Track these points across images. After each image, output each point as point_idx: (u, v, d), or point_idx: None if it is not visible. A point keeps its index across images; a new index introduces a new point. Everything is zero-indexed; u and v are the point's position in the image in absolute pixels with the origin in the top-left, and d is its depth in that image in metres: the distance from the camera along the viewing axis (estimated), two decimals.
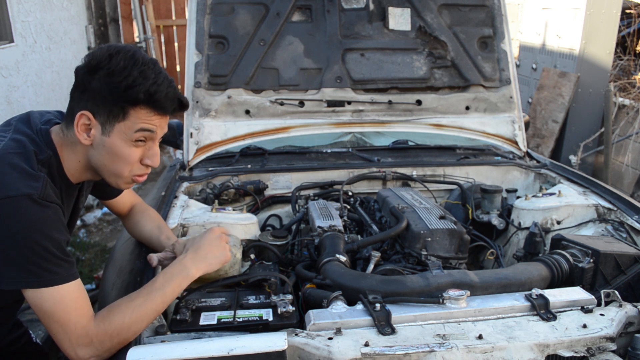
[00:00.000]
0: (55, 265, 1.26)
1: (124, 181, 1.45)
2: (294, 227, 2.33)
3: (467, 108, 2.92)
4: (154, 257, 1.65)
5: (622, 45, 6.05)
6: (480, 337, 1.35)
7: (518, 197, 2.50)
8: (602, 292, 1.52)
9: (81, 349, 1.28)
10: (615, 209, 2.18)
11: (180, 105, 1.43)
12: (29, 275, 1.24)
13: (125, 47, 1.37)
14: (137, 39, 7.80)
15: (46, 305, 1.26)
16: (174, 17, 8.75)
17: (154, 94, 1.34)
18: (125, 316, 1.31)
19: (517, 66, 6.58)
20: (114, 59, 1.32)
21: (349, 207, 2.39)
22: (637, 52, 6.05)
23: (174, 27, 8.71)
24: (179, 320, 1.45)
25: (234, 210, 2.24)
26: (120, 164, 1.40)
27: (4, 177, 1.26)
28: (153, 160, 1.44)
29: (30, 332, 1.95)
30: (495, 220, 2.37)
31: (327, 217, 2.08)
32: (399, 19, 2.86)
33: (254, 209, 2.53)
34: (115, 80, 1.32)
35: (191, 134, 2.67)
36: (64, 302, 1.27)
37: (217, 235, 1.55)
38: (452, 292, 1.48)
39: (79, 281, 1.33)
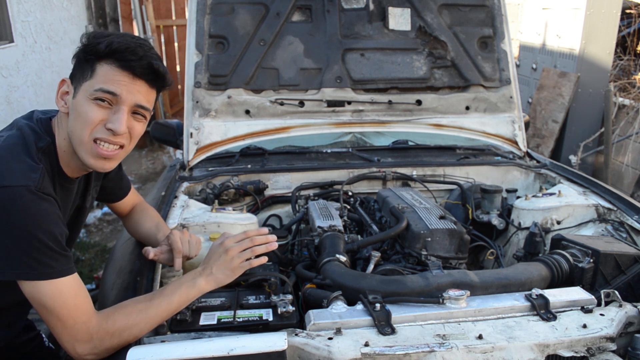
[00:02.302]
0: (51, 258, 1.26)
1: (87, 149, 1.36)
2: (294, 227, 2.33)
3: (467, 108, 2.92)
4: (149, 250, 1.64)
5: (622, 45, 6.05)
6: (480, 337, 1.35)
7: (518, 197, 2.50)
8: (602, 292, 1.52)
9: (80, 345, 1.28)
10: (615, 209, 2.18)
11: (152, 70, 1.37)
12: (23, 266, 1.24)
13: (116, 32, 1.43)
14: None
15: (44, 299, 1.26)
16: (174, 17, 8.74)
17: (117, 45, 1.32)
18: (129, 318, 1.31)
19: (517, 66, 6.58)
20: (97, 32, 1.39)
21: (349, 207, 2.39)
22: (637, 52, 6.05)
23: (174, 27, 8.70)
24: (179, 320, 1.45)
25: (234, 210, 2.24)
26: (81, 125, 1.34)
27: (2, 167, 1.26)
28: (115, 124, 1.34)
29: (43, 335, 1.94)
30: (495, 220, 2.37)
31: (327, 217, 2.08)
32: (399, 19, 2.86)
33: (254, 209, 2.53)
34: (87, 40, 1.36)
35: (191, 134, 2.67)
36: (62, 297, 1.26)
37: (223, 249, 1.46)
38: (452, 292, 1.48)
39: (76, 276, 1.32)
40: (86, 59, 1.35)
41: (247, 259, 1.47)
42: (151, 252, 1.63)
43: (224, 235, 1.53)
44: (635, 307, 1.49)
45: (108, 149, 1.38)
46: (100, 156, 1.38)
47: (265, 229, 1.54)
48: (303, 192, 2.58)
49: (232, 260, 1.44)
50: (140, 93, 1.38)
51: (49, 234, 1.25)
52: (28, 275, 1.25)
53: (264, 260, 1.47)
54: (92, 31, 1.41)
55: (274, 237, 1.51)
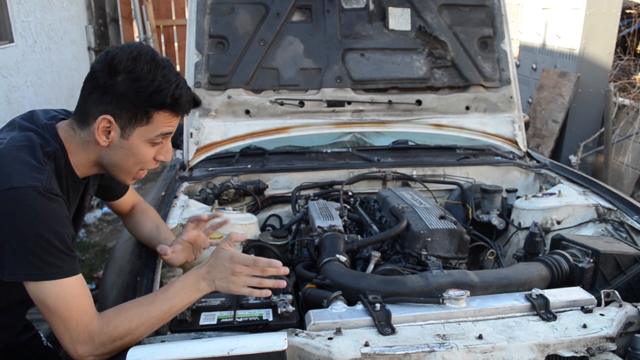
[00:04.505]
0: (58, 258, 1.26)
1: (131, 177, 1.49)
2: (294, 227, 2.33)
3: (467, 108, 2.92)
4: (166, 249, 1.65)
5: (622, 45, 6.05)
6: (480, 337, 1.35)
7: (518, 197, 2.50)
8: (602, 292, 1.52)
9: (81, 347, 1.28)
10: (615, 209, 2.18)
11: (195, 104, 1.48)
12: (30, 267, 1.24)
13: (142, 48, 1.38)
14: (137, 39, 7.80)
15: (48, 299, 1.26)
16: (174, 17, 8.74)
17: (179, 98, 1.38)
18: (131, 322, 1.30)
19: (517, 66, 6.58)
20: (138, 63, 1.33)
21: (349, 207, 2.39)
22: (637, 52, 6.05)
23: (174, 27, 8.70)
24: (179, 320, 1.45)
25: (234, 210, 2.24)
26: (135, 162, 1.44)
27: (9, 169, 1.26)
28: (166, 156, 1.49)
29: (41, 335, 1.94)
30: (495, 220, 2.37)
31: (327, 217, 2.08)
32: (399, 19, 2.86)
33: (254, 209, 2.53)
34: (142, 85, 1.33)
35: (191, 134, 2.67)
36: (66, 298, 1.26)
37: (231, 270, 1.38)
38: (452, 292, 1.48)
39: (80, 277, 1.32)
40: (142, 107, 1.35)
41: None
42: (168, 250, 1.65)
43: (225, 246, 1.45)
44: (635, 307, 1.49)
45: (145, 172, 1.52)
46: (138, 178, 1.52)
47: (279, 262, 1.42)
48: (303, 192, 2.58)
49: (236, 282, 1.38)
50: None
51: (57, 234, 1.26)
52: (35, 276, 1.25)
53: (267, 293, 1.40)
54: (127, 59, 1.33)
55: (285, 270, 1.41)
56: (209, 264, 1.41)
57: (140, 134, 1.39)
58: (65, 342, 1.28)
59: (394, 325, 1.39)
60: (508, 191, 2.56)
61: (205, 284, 1.40)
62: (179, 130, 2.79)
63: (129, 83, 1.33)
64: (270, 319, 1.48)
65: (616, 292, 1.52)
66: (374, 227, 2.15)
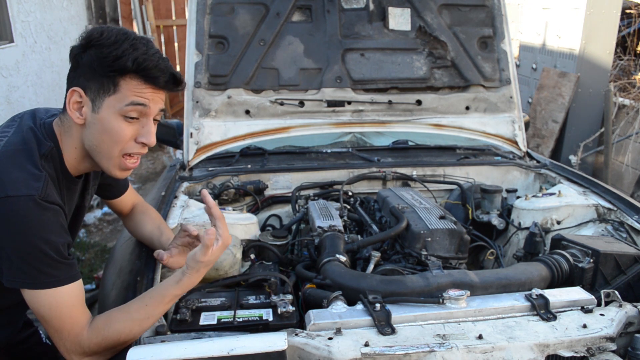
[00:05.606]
0: (52, 267, 1.26)
1: (115, 163, 1.38)
2: (294, 227, 2.33)
3: (467, 108, 2.92)
4: (162, 254, 1.61)
5: (622, 45, 6.06)
6: (480, 337, 1.35)
7: (518, 197, 2.50)
8: (602, 292, 1.52)
9: (75, 356, 1.30)
10: (615, 209, 2.18)
11: (174, 80, 1.38)
12: (25, 275, 1.24)
13: (120, 27, 1.36)
14: None
15: (42, 309, 1.26)
16: (174, 17, 8.75)
17: (143, 62, 1.30)
18: (120, 335, 1.31)
19: (517, 66, 6.58)
20: (105, 34, 1.31)
21: (349, 207, 2.39)
22: (637, 52, 6.05)
23: (174, 27, 8.71)
24: (179, 320, 1.46)
25: (234, 210, 2.24)
26: (111, 142, 1.34)
27: (4, 176, 1.25)
28: (148, 137, 1.37)
29: (41, 332, 1.95)
30: (495, 220, 2.37)
31: (327, 217, 2.08)
32: (399, 19, 2.86)
33: (254, 209, 2.53)
34: (105, 52, 1.29)
35: (191, 134, 2.67)
36: (59, 308, 1.27)
37: (224, 247, 1.40)
38: (452, 292, 1.48)
39: (78, 284, 1.32)
40: (106, 74, 1.30)
41: None
42: (164, 256, 1.61)
43: (208, 233, 1.39)
44: (635, 307, 1.49)
45: (134, 162, 1.41)
46: (126, 168, 1.41)
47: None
48: (303, 192, 2.58)
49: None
50: (161, 100, 1.40)
51: (51, 244, 1.25)
52: (30, 285, 1.25)
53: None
54: (96, 32, 1.32)
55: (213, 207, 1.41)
56: (198, 262, 1.35)
57: (109, 105, 1.32)
58: (61, 350, 1.30)
59: (394, 325, 1.39)
60: (508, 191, 2.56)
61: (187, 279, 1.35)
62: (179, 131, 2.79)
63: (94, 51, 1.30)
64: (270, 319, 1.48)
65: (616, 292, 1.52)
66: (374, 227, 2.15)
